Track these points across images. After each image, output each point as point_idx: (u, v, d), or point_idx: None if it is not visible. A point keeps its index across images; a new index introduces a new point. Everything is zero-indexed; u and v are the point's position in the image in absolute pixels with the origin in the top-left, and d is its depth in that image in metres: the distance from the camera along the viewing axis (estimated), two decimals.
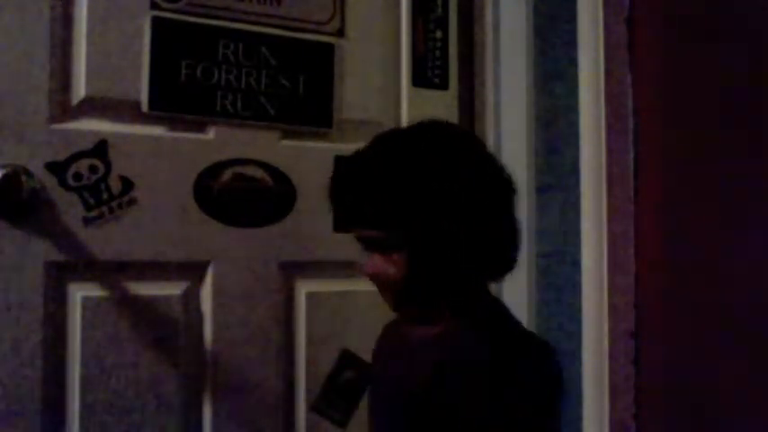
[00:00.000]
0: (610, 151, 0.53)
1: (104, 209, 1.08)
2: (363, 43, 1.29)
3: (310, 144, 1.24)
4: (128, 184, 1.09)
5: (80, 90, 1.08)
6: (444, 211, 0.82)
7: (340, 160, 0.91)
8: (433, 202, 0.83)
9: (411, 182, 0.84)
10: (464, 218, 0.83)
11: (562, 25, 1.31)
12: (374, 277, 0.90)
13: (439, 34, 1.36)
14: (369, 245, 0.89)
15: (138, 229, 1.10)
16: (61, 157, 1.05)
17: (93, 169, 1.07)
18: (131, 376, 1.08)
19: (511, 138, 1.37)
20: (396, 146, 0.90)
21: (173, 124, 1.14)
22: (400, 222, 0.85)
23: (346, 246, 1.26)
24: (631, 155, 0.52)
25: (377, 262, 0.89)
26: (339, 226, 1.25)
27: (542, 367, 0.81)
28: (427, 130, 0.92)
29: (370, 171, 0.89)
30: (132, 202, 1.10)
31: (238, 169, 1.18)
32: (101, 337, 1.07)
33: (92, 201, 1.07)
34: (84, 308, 1.06)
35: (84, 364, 1.05)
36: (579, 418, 0.69)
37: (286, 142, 1.22)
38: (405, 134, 0.93)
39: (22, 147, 1.03)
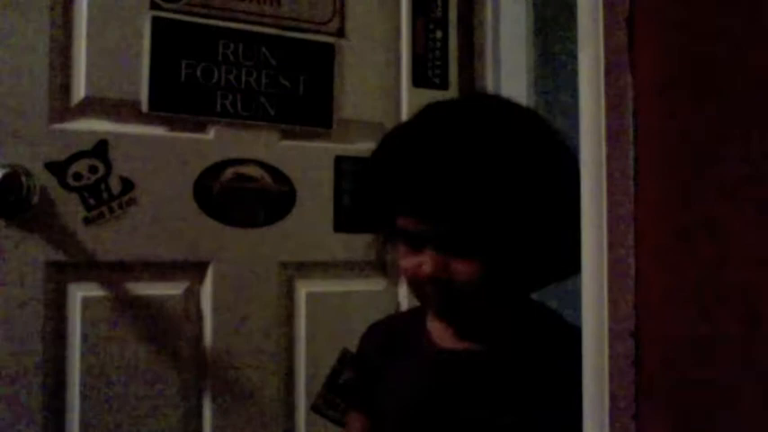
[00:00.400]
0: (610, 151, 0.53)
1: (104, 209, 1.08)
2: (363, 43, 1.29)
3: (310, 144, 1.24)
4: (128, 184, 1.09)
5: (80, 90, 1.08)
6: (542, 205, 0.70)
7: (408, 132, 0.76)
8: (530, 192, 0.69)
9: (514, 169, 0.69)
10: (559, 211, 0.67)
11: (562, 25, 1.31)
12: (432, 279, 0.74)
13: (439, 34, 1.36)
14: (425, 240, 0.73)
15: (138, 229, 1.10)
16: (61, 157, 1.05)
17: (93, 169, 1.07)
18: (131, 376, 1.08)
19: None
20: (484, 123, 0.74)
21: (173, 124, 1.14)
22: (488, 215, 0.70)
23: (346, 246, 1.26)
24: (631, 155, 0.52)
25: (447, 261, 0.73)
26: (339, 224, 1.25)
27: None
28: (525, 111, 0.80)
29: (458, 150, 0.70)
30: (132, 202, 1.09)
31: (238, 169, 1.18)
32: (101, 337, 1.06)
33: (92, 201, 1.07)
34: (84, 308, 1.06)
35: (84, 364, 1.05)
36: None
37: (286, 142, 1.22)
38: (490, 109, 0.78)
39: (22, 147, 1.03)
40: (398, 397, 0.85)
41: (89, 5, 1.08)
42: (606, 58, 0.54)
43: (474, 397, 0.78)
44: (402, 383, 0.85)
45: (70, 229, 1.05)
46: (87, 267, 1.07)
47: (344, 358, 1.23)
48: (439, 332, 0.84)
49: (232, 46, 1.17)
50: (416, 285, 0.78)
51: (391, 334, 0.92)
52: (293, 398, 1.21)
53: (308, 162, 1.23)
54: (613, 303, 0.52)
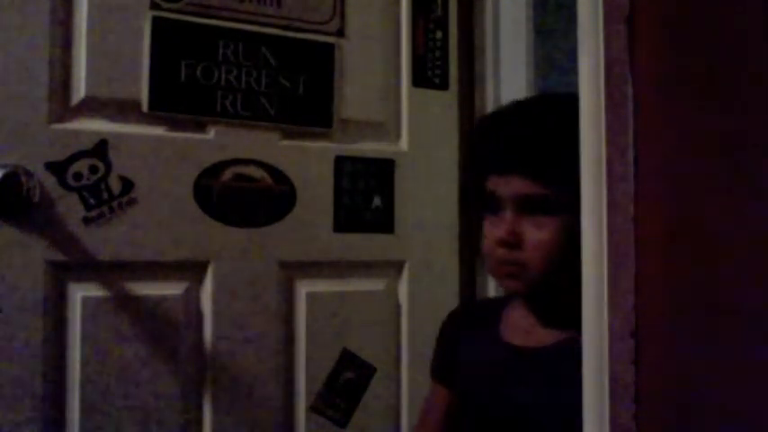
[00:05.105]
0: (610, 151, 0.53)
1: (104, 209, 1.08)
2: (363, 43, 1.29)
3: (310, 144, 1.24)
4: (128, 184, 1.09)
5: (80, 90, 1.08)
6: None
7: (514, 104, 0.89)
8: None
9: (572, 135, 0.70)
10: None
11: (561, 25, 1.31)
12: (511, 243, 0.75)
13: (439, 34, 1.36)
14: (504, 201, 0.76)
15: (138, 229, 1.09)
16: (61, 157, 1.05)
17: (93, 169, 1.07)
18: (131, 376, 1.08)
19: None
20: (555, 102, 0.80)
21: (173, 124, 1.14)
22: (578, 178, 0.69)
23: (346, 246, 1.26)
24: (631, 155, 0.52)
25: (528, 226, 0.74)
26: (339, 224, 1.25)
27: None
28: None
29: (557, 115, 0.75)
30: (132, 202, 1.09)
31: (238, 169, 1.18)
32: (101, 338, 1.06)
33: (92, 201, 1.07)
34: (84, 308, 1.06)
35: (84, 364, 1.05)
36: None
37: (286, 142, 1.22)
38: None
39: (22, 147, 1.03)
40: (466, 381, 0.89)
41: (89, 5, 1.08)
42: (606, 58, 0.54)
43: (525, 390, 0.79)
44: (469, 369, 0.89)
45: (70, 228, 1.05)
46: (87, 267, 1.07)
47: (344, 358, 1.24)
48: (514, 323, 0.85)
49: (232, 46, 1.17)
50: (489, 258, 0.78)
51: (473, 318, 0.97)
52: (293, 398, 1.21)
53: (308, 162, 1.23)
54: (613, 303, 0.52)
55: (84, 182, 1.06)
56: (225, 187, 1.16)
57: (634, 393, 0.50)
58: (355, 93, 1.28)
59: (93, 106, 1.09)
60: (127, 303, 1.09)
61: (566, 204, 0.73)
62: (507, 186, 0.77)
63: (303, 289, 1.23)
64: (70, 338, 1.05)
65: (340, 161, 1.26)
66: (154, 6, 1.12)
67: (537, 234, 0.75)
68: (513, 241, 0.76)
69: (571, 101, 0.81)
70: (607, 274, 0.53)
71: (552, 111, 0.81)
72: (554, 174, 0.74)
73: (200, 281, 1.15)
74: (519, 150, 0.77)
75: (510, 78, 1.37)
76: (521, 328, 0.85)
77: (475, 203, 0.84)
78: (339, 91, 1.26)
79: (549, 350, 0.80)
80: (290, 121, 1.22)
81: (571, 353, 0.74)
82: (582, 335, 0.56)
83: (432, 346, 1.06)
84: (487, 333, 0.89)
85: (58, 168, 1.05)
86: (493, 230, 0.78)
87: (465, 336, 0.95)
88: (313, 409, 1.22)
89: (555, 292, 0.79)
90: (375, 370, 1.26)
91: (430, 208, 1.33)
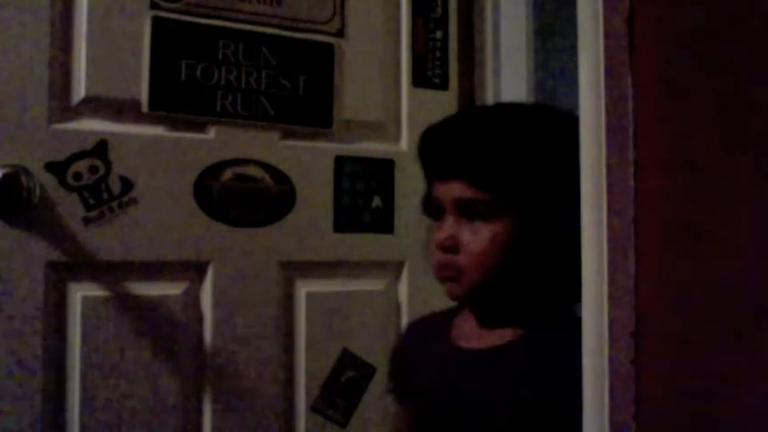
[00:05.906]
0: (610, 151, 0.53)
1: (104, 209, 1.08)
2: (363, 43, 1.29)
3: (310, 144, 1.24)
4: (128, 184, 1.09)
5: (80, 90, 1.08)
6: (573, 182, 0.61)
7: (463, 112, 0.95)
8: (564, 168, 0.64)
9: (546, 142, 0.74)
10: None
11: (561, 25, 1.31)
12: (449, 248, 0.77)
13: (439, 34, 1.36)
14: (445, 205, 0.78)
15: (139, 229, 1.09)
16: (61, 157, 1.05)
17: (93, 169, 1.07)
18: (131, 376, 1.08)
19: None
20: (528, 113, 0.84)
21: (173, 124, 1.14)
22: (517, 183, 0.73)
23: (346, 246, 1.26)
24: (631, 155, 0.52)
25: (467, 231, 0.76)
26: (339, 224, 1.25)
27: None
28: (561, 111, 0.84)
29: (499, 122, 0.79)
30: (132, 202, 1.09)
31: (238, 169, 1.18)
32: (101, 337, 1.06)
33: (92, 201, 1.07)
34: (84, 308, 1.06)
35: (84, 364, 1.05)
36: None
37: (286, 142, 1.22)
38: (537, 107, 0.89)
39: (22, 147, 1.03)
40: (420, 394, 0.87)
41: (89, 5, 1.08)
42: (606, 58, 0.54)
43: (477, 395, 0.79)
44: (423, 381, 0.87)
45: (70, 229, 1.05)
46: (87, 267, 1.07)
47: (344, 358, 1.24)
48: (464, 329, 0.85)
49: (232, 46, 1.17)
50: (432, 263, 0.80)
51: (425, 331, 0.95)
52: (293, 398, 1.21)
53: (308, 162, 1.23)
54: (613, 303, 0.52)
55: (84, 182, 1.06)
56: (225, 187, 1.16)
57: (634, 393, 0.50)
58: (355, 93, 1.28)
59: (93, 106, 1.09)
60: (127, 303, 1.09)
61: (507, 210, 0.75)
62: (448, 192, 0.78)
63: (303, 289, 1.23)
64: (70, 338, 1.05)
65: (340, 161, 1.26)
66: (154, 6, 1.12)
67: (474, 240, 0.76)
68: (451, 245, 0.77)
69: (521, 109, 0.85)
70: (607, 274, 0.53)
71: (495, 117, 0.83)
72: (494, 179, 0.75)
73: (200, 281, 1.15)
74: (458, 155, 0.78)
75: (510, 78, 1.37)
76: (470, 333, 0.85)
77: (426, 211, 0.85)
78: (339, 91, 1.26)
79: (499, 350, 0.79)
80: (289, 121, 1.22)
81: (520, 351, 0.77)
82: (582, 335, 0.56)
83: None
84: (440, 341, 0.88)
85: (58, 168, 1.05)
86: (436, 236, 0.79)
87: (419, 350, 0.92)
88: (313, 409, 1.22)
89: (496, 296, 0.80)
90: (375, 370, 1.26)
91: None
